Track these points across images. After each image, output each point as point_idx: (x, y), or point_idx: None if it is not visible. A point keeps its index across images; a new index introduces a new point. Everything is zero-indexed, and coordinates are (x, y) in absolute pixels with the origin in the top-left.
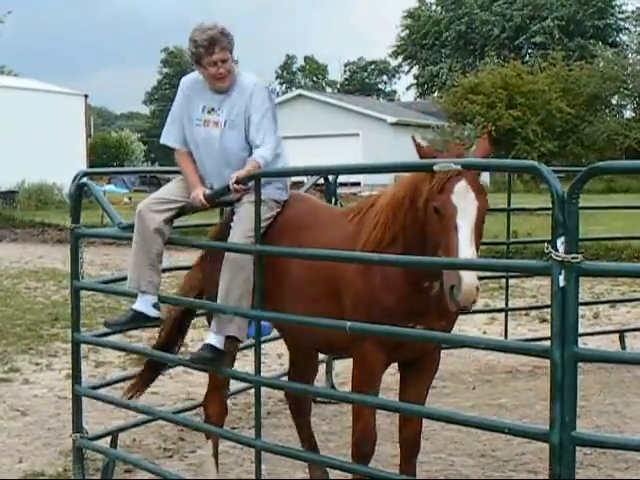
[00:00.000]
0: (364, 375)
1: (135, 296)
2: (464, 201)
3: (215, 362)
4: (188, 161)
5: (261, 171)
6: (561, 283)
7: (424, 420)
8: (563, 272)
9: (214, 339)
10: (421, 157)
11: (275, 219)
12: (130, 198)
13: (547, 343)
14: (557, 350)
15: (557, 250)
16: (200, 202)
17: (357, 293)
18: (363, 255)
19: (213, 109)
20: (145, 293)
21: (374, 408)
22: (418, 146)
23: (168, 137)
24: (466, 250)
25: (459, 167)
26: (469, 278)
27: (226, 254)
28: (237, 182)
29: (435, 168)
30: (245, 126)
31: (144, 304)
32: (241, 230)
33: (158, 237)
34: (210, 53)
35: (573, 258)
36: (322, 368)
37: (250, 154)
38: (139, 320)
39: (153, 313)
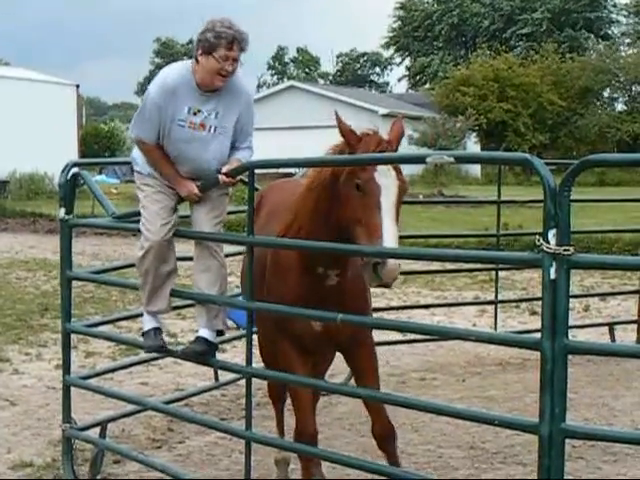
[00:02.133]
0: (281, 362)
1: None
2: (386, 179)
3: (206, 355)
4: (162, 155)
5: (254, 162)
6: (552, 275)
7: (413, 412)
8: (554, 264)
9: (206, 332)
10: (342, 133)
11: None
12: (116, 188)
13: (537, 335)
14: (547, 342)
15: (548, 242)
16: (196, 196)
17: (267, 279)
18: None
19: (199, 110)
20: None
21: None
22: (339, 122)
23: (141, 130)
24: (390, 228)
25: (452, 160)
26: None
27: (203, 243)
28: (226, 175)
29: (428, 160)
30: (232, 131)
31: (157, 321)
32: (211, 218)
33: (171, 256)
34: (229, 48)
35: (565, 250)
36: None
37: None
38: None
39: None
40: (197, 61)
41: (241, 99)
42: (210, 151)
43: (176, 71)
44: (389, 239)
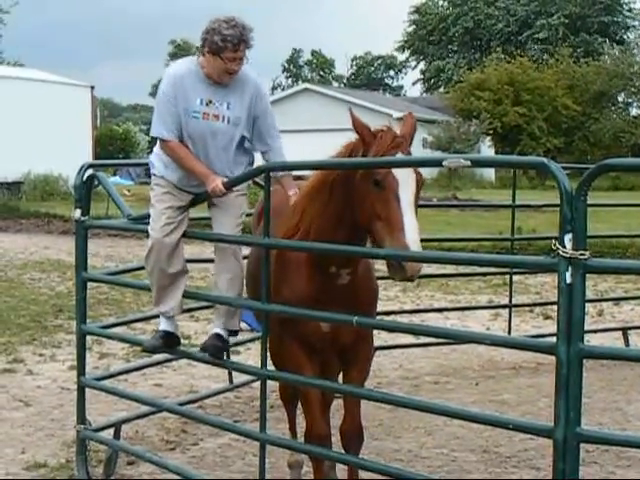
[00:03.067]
0: (289, 364)
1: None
2: (404, 173)
3: (223, 352)
4: (188, 152)
5: (269, 165)
6: (568, 280)
7: (426, 415)
8: (570, 269)
9: (222, 331)
10: (356, 129)
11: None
12: (129, 190)
13: (552, 340)
14: (563, 347)
15: (564, 247)
16: (221, 191)
17: (274, 280)
18: (369, 250)
19: (211, 101)
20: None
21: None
22: (354, 119)
23: (162, 129)
24: (411, 221)
25: (468, 163)
26: (418, 247)
27: (218, 247)
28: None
29: (444, 163)
30: (246, 122)
31: (171, 324)
32: (232, 221)
33: (178, 256)
34: (235, 50)
35: (581, 255)
36: None
37: (242, 146)
38: (172, 339)
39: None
40: (203, 55)
41: (250, 88)
42: (226, 141)
43: (183, 64)
44: (411, 231)
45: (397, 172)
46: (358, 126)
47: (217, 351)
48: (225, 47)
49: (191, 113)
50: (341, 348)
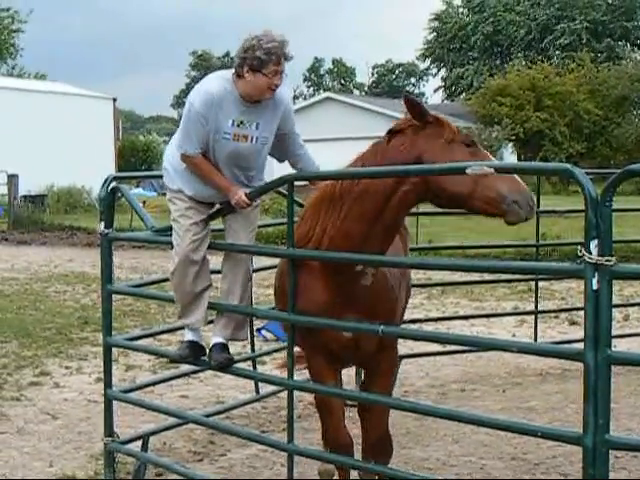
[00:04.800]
0: (311, 373)
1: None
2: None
3: (233, 361)
4: (211, 166)
5: (293, 175)
6: (594, 286)
7: (454, 423)
8: (596, 275)
9: (221, 339)
10: (412, 107)
11: None
12: (144, 202)
13: (578, 346)
14: (590, 353)
15: (590, 253)
16: (245, 203)
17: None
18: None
19: (242, 122)
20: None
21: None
22: (408, 97)
23: (187, 146)
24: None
25: (492, 170)
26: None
27: (232, 255)
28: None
29: (467, 171)
30: (271, 141)
31: (196, 335)
32: (246, 230)
33: (205, 272)
34: (278, 63)
35: (607, 261)
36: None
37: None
38: (197, 350)
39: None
40: (239, 76)
41: (281, 109)
42: (252, 161)
43: (219, 83)
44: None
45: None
46: (414, 104)
47: (229, 363)
48: (269, 60)
49: (222, 134)
50: (364, 356)
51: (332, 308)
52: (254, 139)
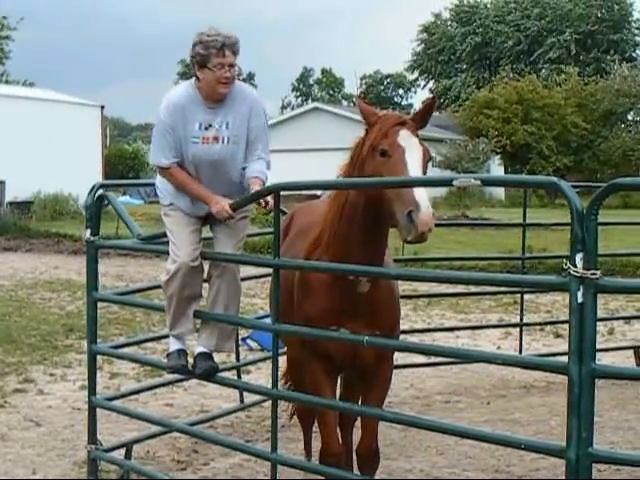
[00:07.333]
0: (309, 382)
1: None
2: (409, 143)
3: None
4: (187, 176)
5: (280, 184)
6: (579, 299)
7: (438, 435)
8: (582, 288)
9: (208, 349)
10: (362, 112)
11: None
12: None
13: (563, 358)
14: (575, 366)
15: (576, 266)
16: (227, 214)
17: (295, 293)
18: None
19: (210, 125)
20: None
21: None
22: (361, 104)
23: (160, 157)
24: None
25: (479, 182)
26: (426, 201)
27: (218, 265)
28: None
29: (455, 183)
30: (245, 140)
31: (182, 343)
32: (233, 241)
33: (200, 279)
34: (221, 55)
35: (592, 274)
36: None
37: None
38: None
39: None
40: (197, 78)
41: (247, 103)
42: (228, 162)
43: (180, 90)
44: (419, 190)
45: (402, 140)
46: (364, 108)
47: (214, 373)
48: (208, 54)
49: (190, 139)
50: (361, 366)
51: (334, 316)
52: (225, 139)
